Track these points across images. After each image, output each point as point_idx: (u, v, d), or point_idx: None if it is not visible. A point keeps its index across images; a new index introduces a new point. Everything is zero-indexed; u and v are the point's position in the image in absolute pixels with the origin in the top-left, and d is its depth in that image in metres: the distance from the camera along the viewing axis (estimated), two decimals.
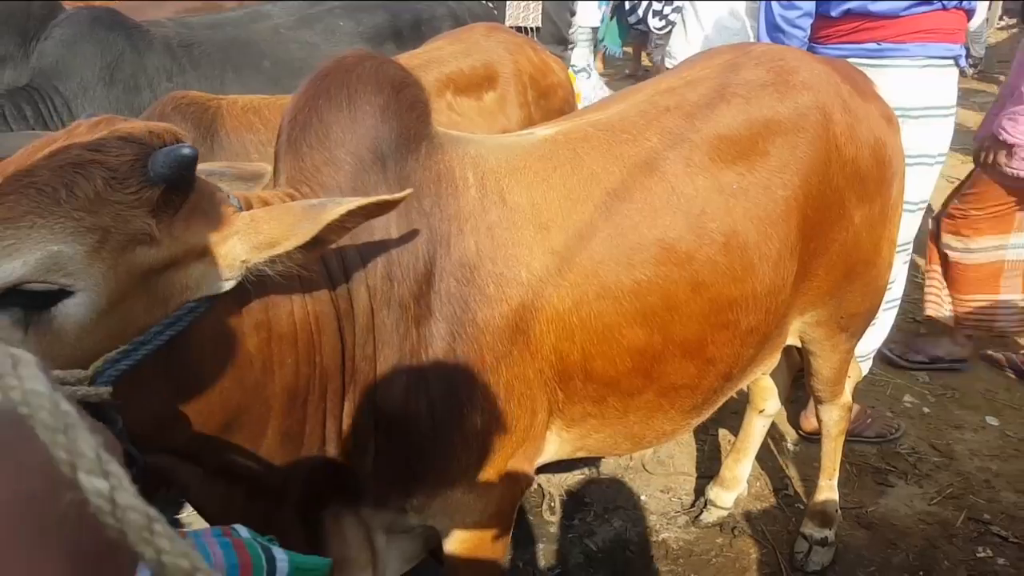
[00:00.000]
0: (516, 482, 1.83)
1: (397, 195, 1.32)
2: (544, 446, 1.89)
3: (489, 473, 1.74)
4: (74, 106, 2.63)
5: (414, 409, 1.56)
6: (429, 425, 1.59)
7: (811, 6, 2.86)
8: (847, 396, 2.62)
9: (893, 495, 3.14)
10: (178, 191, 1.14)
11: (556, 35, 4.43)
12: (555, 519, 3.03)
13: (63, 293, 1.04)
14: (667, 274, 1.71)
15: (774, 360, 2.21)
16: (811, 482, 3.16)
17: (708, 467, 3.28)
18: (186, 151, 1.11)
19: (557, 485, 3.17)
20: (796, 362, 2.69)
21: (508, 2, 4.15)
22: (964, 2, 2.78)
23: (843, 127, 1.92)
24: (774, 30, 2.94)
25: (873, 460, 3.33)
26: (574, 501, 3.12)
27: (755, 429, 2.87)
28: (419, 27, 3.33)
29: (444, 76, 2.50)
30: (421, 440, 1.60)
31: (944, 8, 2.76)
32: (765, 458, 3.27)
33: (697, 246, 1.73)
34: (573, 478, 3.20)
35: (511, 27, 4.03)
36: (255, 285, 1.26)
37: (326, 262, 1.43)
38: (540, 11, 4.16)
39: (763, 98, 1.85)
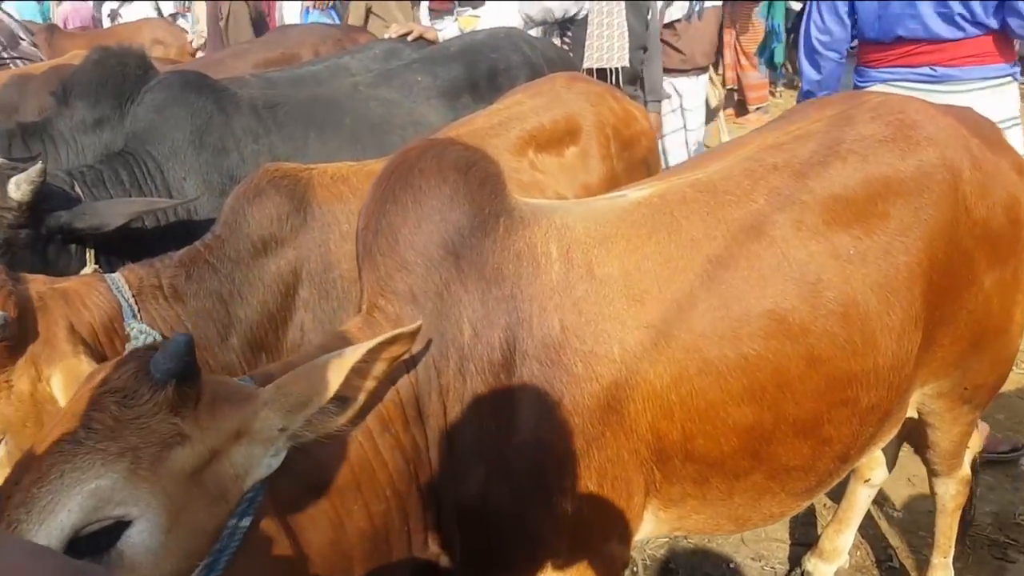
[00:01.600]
0: (611, 565, 1.71)
1: (410, 328, 1.31)
2: (640, 526, 1.76)
3: (581, 558, 1.64)
4: (166, 169, 2.68)
5: (495, 501, 1.48)
6: (513, 515, 1.50)
7: (845, 33, 3.15)
8: (966, 469, 2.39)
9: (1014, 571, 2.86)
10: (188, 381, 1.12)
11: (629, 73, 4.32)
12: None
13: (121, 525, 1.03)
14: (778, 348, 1.57)
15: (893, 435, 2.02)
16: (919, 553, 2.91)
17: (804, 534, 3.06)
18: (180, 340, 1.09)
19: (639, 548, 3.00)
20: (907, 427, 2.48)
21: (587, 43, 4.02)
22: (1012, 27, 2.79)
23: (973, 185, 1.74)
24: (811, 53, 3.24)
25: (989, 531, 3.04)
26: (658, 565, 2.95)
27: (860, 499, 2.66)
28: (495, 78, 3.29)
29: (525, 133, 2.43)
30: (505, 529, 1.51)
31: (992, 32, 2.82)
32: (867, 525, 3.02)
33: (812, 317, 1.58)
34: (657, 540, 3.03)
35: (592, 69, 3.95)
36: (301, 453, 1.23)
37: (398, 389, 1.39)
38: (626, 48, 4.00)
39: (882, 155, 1.69)
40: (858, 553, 2.94)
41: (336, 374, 1.20)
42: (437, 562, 1.53)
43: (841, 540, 2.72)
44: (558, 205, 1.71)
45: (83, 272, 2.30)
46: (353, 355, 1.22)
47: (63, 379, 1.60)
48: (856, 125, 1.75)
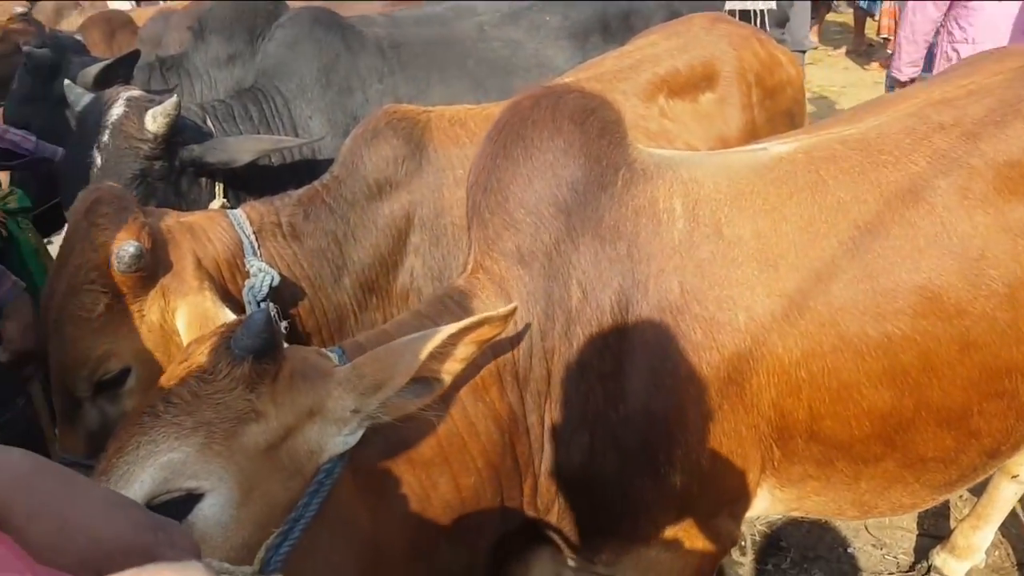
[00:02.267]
0: (719, 542, 1.64)
1: (503, 311, 1.24)
2: (753, 504, 1.66)
3: (689, 533, 1.57)
4: (293, 107, 2.73)
5: (599, 467, 1.43)
6: (618, 485, 1.45)
7: None
8: None
9: None
10: (267, 358, 1.10)
11: (777, 15, 4.00)
12: (746, 561, 2.75)
13: (194, 498, 1.03)
14: (928, 329, 1.41)
15: None
16: None
17: (935, 525, 2.84)
18: (259, 318, 1.09)
19: (750, 523, 2.88)
20: None
21: None
22: None
23: None
24: None
25: None
26: (769, 544, 2.81)
27: (1003, 495, 2.42)
28: (628, 18, 3.12)
29: (658, 77, 2.28)
30: (610, 499, 1.46)
31: None
32: (1009, 523, 2.76)
33: (971, 297, 1.41)
34: (770, 517, 2.90)
35: (735, 11, 3.68)
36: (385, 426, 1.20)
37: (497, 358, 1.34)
38: None
39: None
40: (996, 553, 2.70)
41: (413, 359, 1.16)
42: (532, 529, 1.49)
43: (978, 537, 2.49)
44: (687, 157, 1.59)
45: (211, 205, 2.38)
46: (433, 340, 1.17)
47: (188, 313, 1.65)
48: None
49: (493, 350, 1.34)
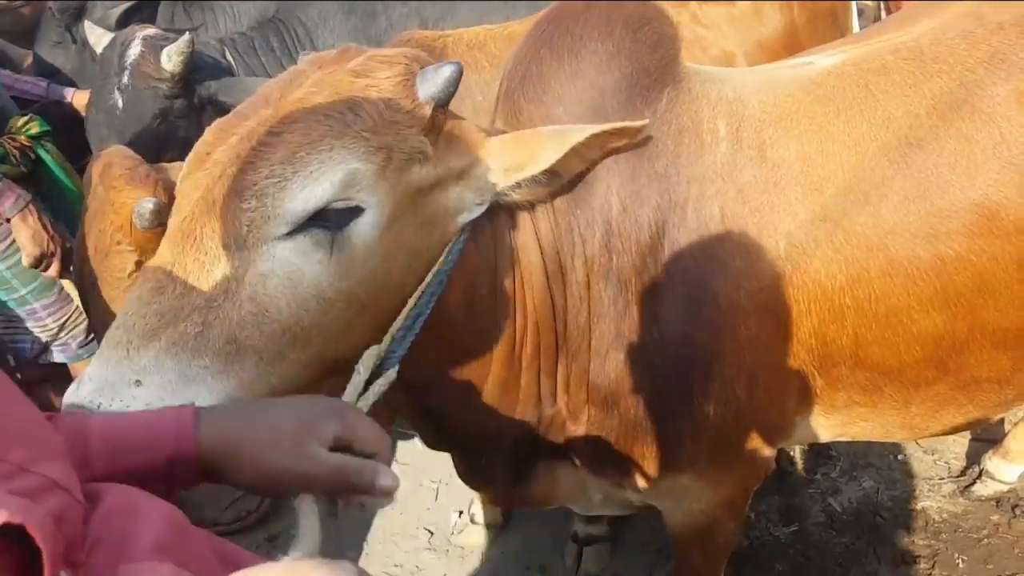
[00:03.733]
0: (754, 470, 1.65)
1: (638, 123, 1.24)
2: (792, 432, 1.66)
3: (720, 461, 1.58)
4: (315, 36, 2.67)
5: (632, 390, 1.42)
6: (650, 410, 1.44)
7: None
8: None
9: None
10: (443, 110, 1.15)
11: None
12: (795, 471, 2.78)
13: (357, 211, 1.07)
14: (984, 248, 1.34)
15: None
16: None
17: (987, 429, 2.80)
18: (450, 68, 1.12)
19: None
20: None
21: None
22: None
23: None
24: None
25: None
26: (818, 453, 2.83)
27: None
28: None
29: None
30: (640, 423, 1.46)
31: None
32: None
33: None
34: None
35: None
36: (482, 227, 1.26)
37: (536, 224, 1.34)
38: None
39: None
40: None
41: (557, 149, 1.19)
42: (550, 432, 1.50)
43: None
44: (731, 74, 1.51)
45: None
46: (578, 135, 1.19)
47: None
48: None
49: (538, 236, 1.35)
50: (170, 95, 2.25)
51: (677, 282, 1.36)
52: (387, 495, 0.87)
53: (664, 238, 1.34)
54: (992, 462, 2.55)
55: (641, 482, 1.56)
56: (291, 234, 1.05)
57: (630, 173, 1.33)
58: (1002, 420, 2.80)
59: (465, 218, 1.21)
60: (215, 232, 1.05)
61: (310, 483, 0.84)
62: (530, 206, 1.30)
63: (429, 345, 1.23)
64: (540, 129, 1.25)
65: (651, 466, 1.52)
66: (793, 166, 1.35)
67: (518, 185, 1.21)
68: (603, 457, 1.53)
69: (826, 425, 1.64)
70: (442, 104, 1.14)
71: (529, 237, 1.33)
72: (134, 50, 2.28)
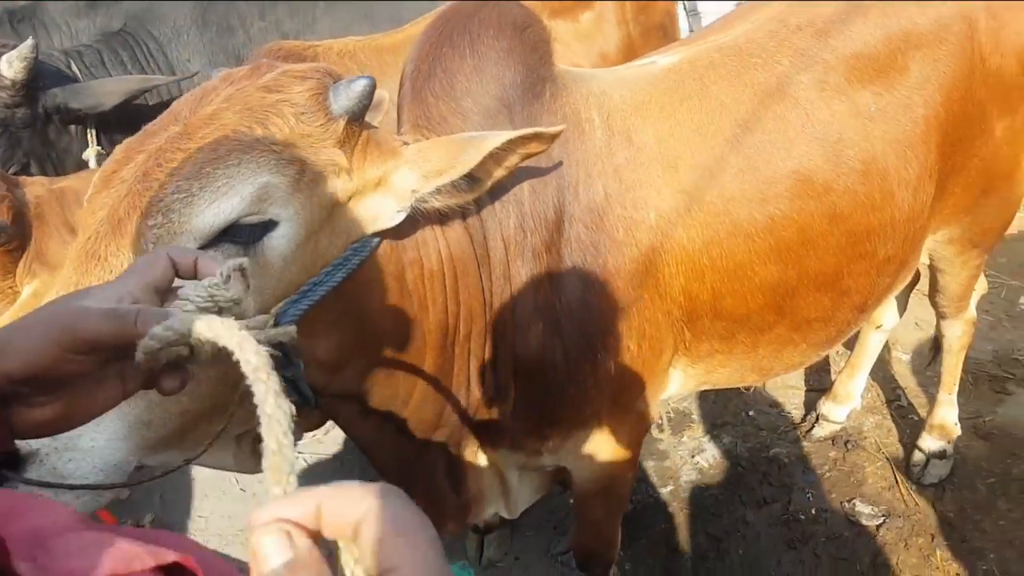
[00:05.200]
0: (643, 420, 1.85)
1: (553, 129, 1.30)
2: (668, 383, 1.89)
3: (619, 414, 1.76)
4: (168, 51, 2.63)
5: (550, 356, 1.57)
6: (564, 371, 1.60)
7: None
8: (972, 311, 2.52)
9: (1012, 403, 3.05)
10: (357, 123, 1.17)
11: None
12: (664, 436, 3.08)
13: (270, 225, 1.08)
14: (803, 207, 1.64)
15: (906, 282, 2.13)
16: (926, 392, 3.10)
17: (817, 380, 3.25)
18: (363, 82, 1.14)
19: (664, 403, 3.19)
20: (916, 274, 2.59)
21: None
22: None
23: (988, 34, 1.76)
24: None
25: (990, 368, 3.23)
26: (682, 418, 3.15)
27: (871, 344, 2.81)
28: None
29: None
30: (557, 386, 1.61)
31: None
32: (877, 368, 3.20)
33: (835, 176, 1.64)
34: (680, 395, 3.23)
35: None
36: (408, 225, 1.28)
37: (464, 212, 1.43)
38: None
39: (902, 9, 1.70)
40: (869, 395, 3.12)
41: (476, 153, 1.22)
42: (478, 412, 1.60)
43: (854, 384, 2.89)
44: (592, 73, 1.72)
45: (85, 154, 2.34)
46: (494, 140, 1.23)
47: (37, 288, 1.65)
48: None
49: (466, 223, 1.42)
50: (10, 104, 2.17)
51: (576, 253, 1.52)
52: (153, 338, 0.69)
53: (564, 215, 1.50)
54: (826, 407, 2.96)
55: (556, 443, 1.71)
56: (202, 249, 1.04)
57: (534, 159, 1.46)
58: (829, 371, 3.24)
59: (385, 225, 1.24)
60: (120, 250, 1.03)
61: (79, 336, 0.69)
62: (451, 210, 1.33)
63: (363, 347, 1.28)
64: (457, 135, 1.30)
65: (565, 425, 1.68)
66: (653, 148, 1.58)
67: (438, 191, 1.24)
68: (524, 429, 1.67)
69: (693, 375, 1.89)
70: (356, 117, 1.16)
71: (457, 226, 1.41)
72: None
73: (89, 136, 2.40)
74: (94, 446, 0.96)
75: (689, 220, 1.60)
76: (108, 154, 2.45)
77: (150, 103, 2.55)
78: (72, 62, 2.52)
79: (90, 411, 0.76)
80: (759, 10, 1.79)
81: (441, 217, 1.35)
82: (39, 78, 2.24)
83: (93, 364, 0.72)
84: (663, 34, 2.61)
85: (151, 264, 0.78)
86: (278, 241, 1.10)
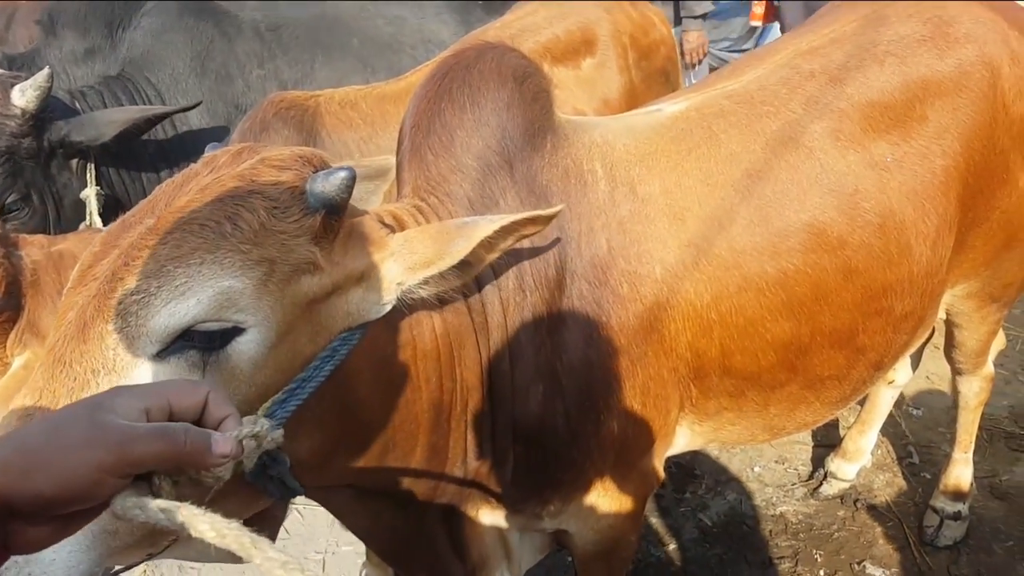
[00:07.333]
0: (648, 480, 1.76)
1: (550, 211, 1.24)
2: (674, 441, 1.80)
3: (623, 475, 1.68)
4: (167, 97, 2.62)
5: (551, 419, 1.50)
6: (566, 433, 1.52)
7: None
8: (989, 367, 2.42)
9: None
10: (336, 216, 1.09)
11: None
12: (666, 492, 2.96)
13: (236, 331, 1.01)
14: (817, 262, 1.57)
15: (924, 338, 2.04)
16: (937, 449, 3.00)
17: (826, 436, 3.14)
18: (343, 174, 1.07)
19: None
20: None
21: None
22: None
23: (1012, 81, 1.70)
24: None
25: (1006, 424, 3.12)
26: (684, 473, 3.03)
27: (882, 400, 2.71)
28: None
29: (540, 46, 2.34)
30: (558, 449, 1.54)
31: None
32: (887, 424, 3.09)
33: (850, 229, 1.57)
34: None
35: None
36: (398, 310, 1.21)
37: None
38: None
39: (920, 55, 1.64)
40: (879, 451, 3.02)
41: (465, 244, 1.16)
42: (477, 479, 1.53)
43: (864, 440, 2.79)
44: (596, 121, 1.67)
45: (83, 193, 2.33)
46: (486, 228, 1.18)
47: (27, 360, 1.56)
48: (892, 24, 1.69)
49: (464, 298, 1.36)
50: (19, 133, 2.15)
51: (578, 311, 1.46)
52: (220, 463, 0.75)
53: (565, 271, 1.44)
54: (834, 464, 2.85)
55: (558, 507, 1.63)
56: (162, 354, 0.98)
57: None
58: (838, 426, 3.14)
59: (371, 317, 1.16)
60: (84, 356, 0.97)
61: (127, 459, 0.67)
62: (439, 300, 1.25)
63: (351, 440, 1.22)
64: (448, 222, 1.24)
65: (567, 489, 1.60)
66: (659, 200, 1.51)
67: (426, 282, 1.18)
68: (525, 493, 1.59)
69: (701, 432, 1.80)
70: (335, 211, 1.08)
71: (455, 297, 1.32)
72: None
73: (88, 175, 2.39)
74: (55, 559, 0.88)
75: (697, 274, 1.52)
76: (105, 195, 2.40)
77: (150, 149, 2.53)
78: (77, 102, 2.54)
79: (80, 528, 0.71)
80: (770, 55, 1.74)
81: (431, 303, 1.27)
82: (48, 110, 2.24)
83: (126, 484, 0.69)
84: (665, 80, 2.58)
85: (188, 393, 0.78)
86: (246, 346, 1.02)
